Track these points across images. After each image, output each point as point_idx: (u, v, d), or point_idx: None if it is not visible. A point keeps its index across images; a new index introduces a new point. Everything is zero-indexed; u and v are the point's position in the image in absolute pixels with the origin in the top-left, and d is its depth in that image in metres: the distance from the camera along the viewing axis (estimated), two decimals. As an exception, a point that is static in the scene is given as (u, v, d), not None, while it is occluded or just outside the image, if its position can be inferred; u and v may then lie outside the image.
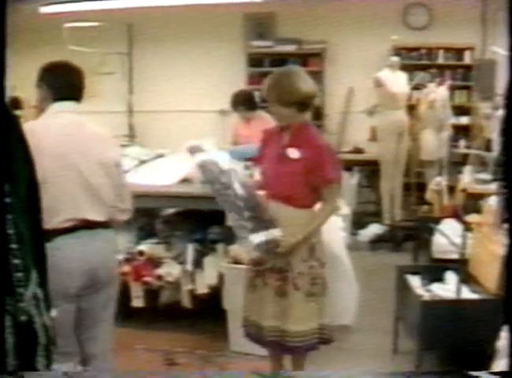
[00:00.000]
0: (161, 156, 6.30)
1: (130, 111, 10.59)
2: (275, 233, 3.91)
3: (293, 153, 3.97)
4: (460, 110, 9.56)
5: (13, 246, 2.28)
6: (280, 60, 10.39)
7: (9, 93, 2.49)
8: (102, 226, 3.58)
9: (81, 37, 9.16)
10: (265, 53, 10.48)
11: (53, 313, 2.57)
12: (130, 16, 10.17)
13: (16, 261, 2.29)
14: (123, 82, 10.56)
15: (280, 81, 3.96)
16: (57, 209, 3.33)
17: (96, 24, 9.55)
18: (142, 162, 6.00)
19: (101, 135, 3.70)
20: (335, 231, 5.83)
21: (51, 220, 3.20)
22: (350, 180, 9.23)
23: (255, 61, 10.52)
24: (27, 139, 2.58)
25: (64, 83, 3.57)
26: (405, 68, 9.23)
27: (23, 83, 5.17)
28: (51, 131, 3.43)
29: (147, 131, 10.10)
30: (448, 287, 4.67)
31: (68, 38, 9.02)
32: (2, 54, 2.24)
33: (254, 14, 10.41)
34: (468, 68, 9.78)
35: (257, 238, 3.92)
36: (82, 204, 3.46)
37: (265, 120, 7.36)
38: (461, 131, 9.63)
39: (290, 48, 10.36)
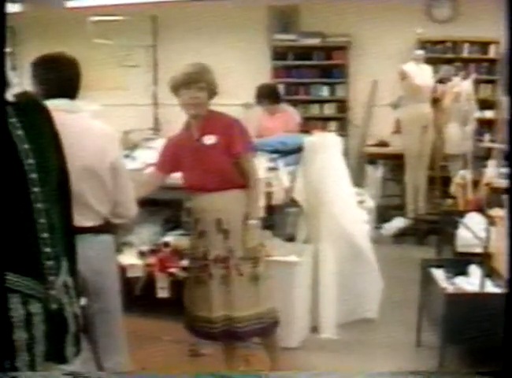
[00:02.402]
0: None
1: (155, 104, 10.64)
2: None
3: (208, 139, 4.13)
4: (485, 104, 9.50)
5: (45, 235, 2.32)
6: (304, 53, 10.45)
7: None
8: (93, 231, 3.35)
9: (106, 30, 9.21)
10: (289, 46, 10.50)
11: (82, 301, 2.61)
12: (154, 10, 10.21)
13: (48, 250, 2.33)
14: (148, 74, 10.59)
15: (199, 68, 4.14)
16: None
17: (121, 17, 9.61)
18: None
19: (97, 137, 3.40)
20: (359, 224, 5.86)
21: None
22: (375, 173, 9.23)
23: (279, 54, 10.54)
24: None
25: (54, 79, 3.29)
26: (430, 61, 9.21)
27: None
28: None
29: (172, 123, 10.13)
30: (472, 281, 4.67)
31: (94, 31, 9.08)
32: (2, 53, 2.27)
33: (278, 7, 10.42)
34: (493, 61, 9.73)
35: None
36: None
37: (289, 113, 7.40)
38: (485, 125, 9.59)
39: (314, 41, 10.35)
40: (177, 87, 4.12)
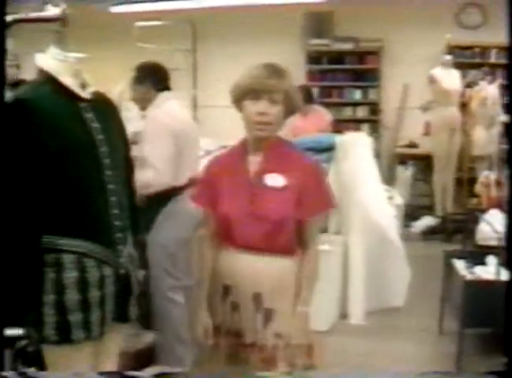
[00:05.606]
0: (225, 147, 6.65)
1: (194, 106, 10.92)
2: None
3: (275, 180, 2.87)
4: (510, 108, 9.68)
5: (115, 211, 2.73)
6: (338, 58, 10.70)
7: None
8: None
9: (148, 35, 9.51)
10: (324, 51, 10.75)
11: (142, 272, 3.02)
12: (194, 15, 10.48)
13: (118, 223, 2.74)
14: (187, 78, 10.89)
15: (274, 71, 2.90)
16: (184, 171, 4.27)
17: (162, 22, 9.94)
18: (208, 153, 6.34)
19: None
20: (387, 216, 6.12)
21: (180, 179, 4.22)
22: (405, 173, 9.48)
23: (314, 58, 10.80)
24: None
25: (165, 77, 4.56)
26: (458, 66, 9.41)
27: (93, 78, 5.48)
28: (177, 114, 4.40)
29: (209, 125, 10.40)
30: (489, 270, 4.94)
31: (137, 35, 9.41)
32: (2, 52, 2.60)
33: (313, 13, 10.66)
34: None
35: None
36: (196, 169, 4.38)
37: (321, 113, 7.74)
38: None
39: (347, 46, 10.60)
40: (241, 97, 2.91)
